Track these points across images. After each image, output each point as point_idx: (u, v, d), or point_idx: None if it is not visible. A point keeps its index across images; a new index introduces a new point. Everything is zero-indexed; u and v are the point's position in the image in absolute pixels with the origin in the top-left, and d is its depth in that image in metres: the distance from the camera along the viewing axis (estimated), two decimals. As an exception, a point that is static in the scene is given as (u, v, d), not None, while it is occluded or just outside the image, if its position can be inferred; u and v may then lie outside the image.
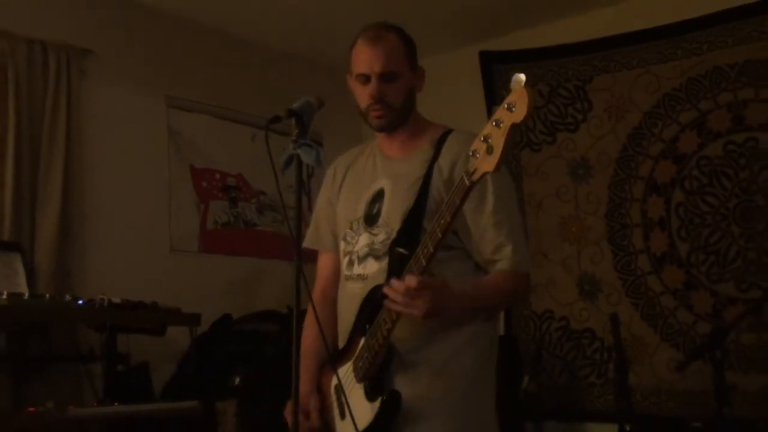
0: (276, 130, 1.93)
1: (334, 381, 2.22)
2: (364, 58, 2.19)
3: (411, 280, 1.90)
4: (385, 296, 2.02)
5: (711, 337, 3.39)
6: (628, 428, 3.62)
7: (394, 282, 1.94)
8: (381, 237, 2.20)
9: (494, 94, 4.69)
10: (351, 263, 2.27)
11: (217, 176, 4.81)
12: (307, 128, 1.92)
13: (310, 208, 2.53)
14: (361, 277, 2.22)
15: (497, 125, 1.70)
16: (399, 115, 2.23)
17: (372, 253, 2.21)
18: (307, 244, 2.45)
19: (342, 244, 2.33)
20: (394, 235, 2.16)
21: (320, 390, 2.30)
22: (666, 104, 4.29)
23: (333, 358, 2.22)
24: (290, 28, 4.84)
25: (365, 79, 2.19)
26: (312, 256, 2.48)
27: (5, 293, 3.23)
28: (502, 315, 4.50)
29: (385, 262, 2.16)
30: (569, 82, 4.61)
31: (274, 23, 4.79)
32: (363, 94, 2.21)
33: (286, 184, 2.00)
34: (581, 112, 4.57)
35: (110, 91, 4.32)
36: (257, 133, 4.82)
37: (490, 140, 1.71)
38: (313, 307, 2.15)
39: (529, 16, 4.72)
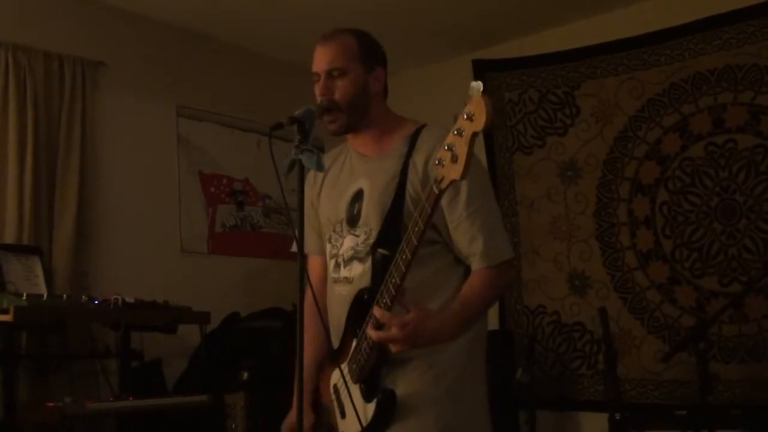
0: (280, 137, 1.95)
1: (332, 381, 2.22)
2: (315, 57, 2.18)
3: (394, 330, 1.91)
4: (372, 298, 2.02)
5: (695, 330, 3.43)
6: (617, 417, 3.60)
7: (369, 331, 1.96)
8: (362, 238, 2.17)
9: None
10: (337, 266, 2.24)
11: (225, 181, 4.85)
12: (308, 134, 1.93)
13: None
14: (348, 280, 2.19)
15: (459, 134, 1.65)
16: (350, 116, 2.18)
17: (356, 256, 2.18)
18: (295, 248, 2.41)
19: (328, 247, 2.29)
20: (374, 235, 2.13)
21: (319, 388, 2.31)
22: (650, 108, 4.33)
23: (332, 355, 2.21)
24: (294, 40, 4.79)
25: (317, 78, 2.17)
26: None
27: (25, 294, 3.32)
28: (496, 311, 4.58)
29: (368, 264, 2.13)
30: (558, 88, 4.66)
31: (279, 36, 4.84)
32: (316, 94, 2.18)
33: (290, 188, 2.00)
34: (570, 117, 4.61)
35: (122, 102, 4.36)
36: (262, 140, 4.89)
37: (454, 149, 1.67)
38: (317, 304, 2.14)
39: (520, 27, 4.75)
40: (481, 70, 4.85)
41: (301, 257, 1.91)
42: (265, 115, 4.68)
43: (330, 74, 2.16)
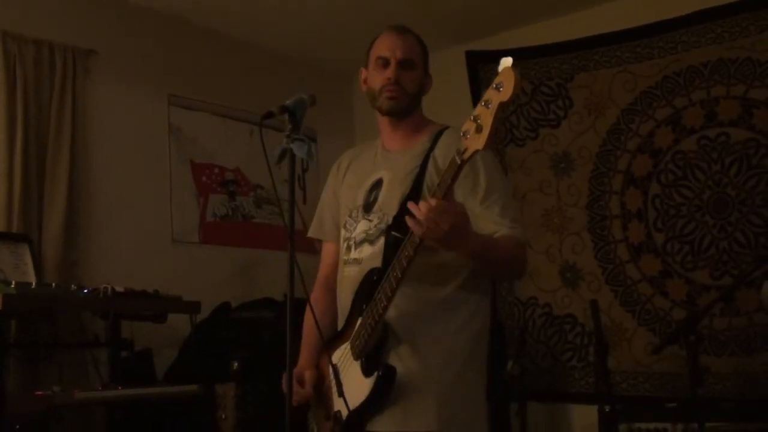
0: (273, 127, 1.98)
1: (332, 360, 2.26)
2: (388, 44, 2.28)
3: (433, 201, 1.89)
4: (381, 278, 2.07)
5: (685, 322, 3.39)
6: (607, 409, 3.64)
7: (421, 204, 1.91)
8: (375, 222, 2.25)
9: (480, 92, 4.53)
10: (348, 248, 2.32)
11: (216, 171, 4.83)
12: (299, 124, 1.96)
13: (305, 201, 2.60)
14: (357, 261, 2.26)
15: (486, 105, 1.74)
16: (408, 103, 2.29)
17: (367, 238, 2.26)
18: (311, 234, 2.53)
19: (342, 232, 2.38)
20: (389, 219, 2.20)
21: (319, 368, 2.35)
22: (643, 101, 4.33)
23: (327, 343, 2.26)
24: (287, 30, 4.88)
25: (384, 62, 2.27)
26: (312, 246, 2.55)
27: (14, 282, 3.29)
28: (489, 314, 4.66)
29: (377, 246, 2.21)
30: (551, 80, 4.65)
31: (271, 26, 4.84)
32: (379, 76, 2.28)
33: (282, 178, 2.02)
34: (563, 109, 4.61)
35: (114, 90, 4.34)
36: (254, 130, 4.84)
37: (479, 120, 1.75)
38: (307, 296, 2.17)
39: (513, 18, 4.75)
40: (474, 61, 4.84)
41: (292, 247, 1.91)
42: (257, 104, 4.61)
43: (402, 63, 2.27)
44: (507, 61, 1.71)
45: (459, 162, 1.83)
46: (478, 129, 1.76)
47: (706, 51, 4.16)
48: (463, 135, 1.80)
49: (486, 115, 1.74)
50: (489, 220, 2.14)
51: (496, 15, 4.73)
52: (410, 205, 1.92)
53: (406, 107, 2.30)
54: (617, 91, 4.43)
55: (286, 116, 1.96)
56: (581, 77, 4.57)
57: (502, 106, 1.72)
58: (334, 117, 5.08)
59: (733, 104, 4.08)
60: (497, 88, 1.72)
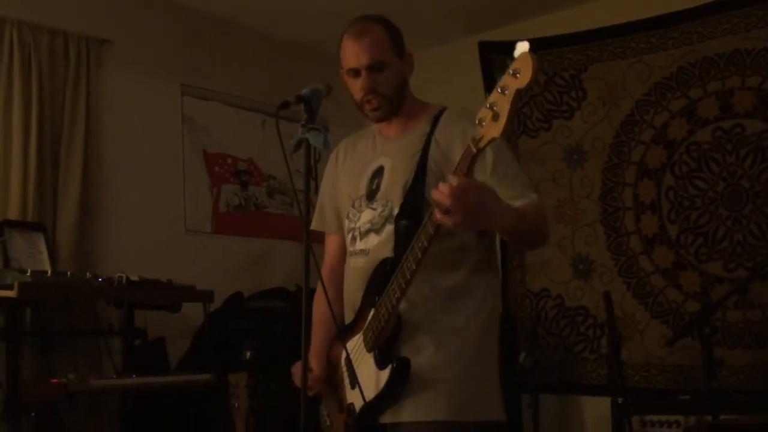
0: (285, 117, 1.96)
1: (344, 353, 2.23)
2: (351, 53, 2.21)
3: (453, 180, 1.78)
4: (394, 268, 2.04)
5: (699, 315, 3.46)
6: (619, 401, 3.64)
7: (441, 186, 1.79)
8: (379, 210, 2.21)
9: (493, 83, 4.65)
10: (354, 239, 2.28)
11: (229, 161, 4.85)
12: (315, 113, 1.96)
13: (317, 192, 2.62)
14: (364, 252, 2.23)
15: (502, 92, 1.66)
16: (393, 104, 2.23)
17: (372, 228, 2.22)
18: (313, 226, 2.47)
19: (346, 222, 2.34)
20: (394, 207, 2.17)
21: (331, 359, 2.33)
22: (657, 92, 4.30)
23: (342, 331, 2.24)
24: (299, 19, 4.88)
25: (355, 73, 2.21)
26: (319, 237, 2.51)
27: (29, 271, 3.33)
28: (500, 294, 4.67)
29: (384, 235, 2.18)
30: (565, 71, 4.62)
31: (283, 14, 4.84)
32: (355, 88, 2.23)
33: (294, 168, 2.05)
34: (576, 100, 4.58)
35: (127, 80, 4.37)
36: (267, 120, 4.89)
37: (495, 107, 1.68)
38: (323, 284, 2.20)
39: (527, 8, 4.74)
40: (487, 52, 4.81)
41: (307, 237, 1.92)
42: (269, 94, 4.63)
43: (372, 69, 2.20)
44: (524, 46, 1.64)
45: (474, 151, 1.77)
46: (495, 117, 1.68)
47: (722, 42, 4.13)
48: (479, 123, 1.72)
49: (502, 102, 1.66)
50: (499, 193, 2.01)
51: (510, 5, 4.72)
52: (434, 193, 1.80)
53: (391, 110, 2.25)
54: (631, 82, 4.41)
55: (300, 106, 1.95)
56: (595, 68, 4.54)
57: (519, 92, 1.65)
58: (344, 106, 5.09)
59: (748, 95, 4.05)
60: (514, 75, 1.64)
